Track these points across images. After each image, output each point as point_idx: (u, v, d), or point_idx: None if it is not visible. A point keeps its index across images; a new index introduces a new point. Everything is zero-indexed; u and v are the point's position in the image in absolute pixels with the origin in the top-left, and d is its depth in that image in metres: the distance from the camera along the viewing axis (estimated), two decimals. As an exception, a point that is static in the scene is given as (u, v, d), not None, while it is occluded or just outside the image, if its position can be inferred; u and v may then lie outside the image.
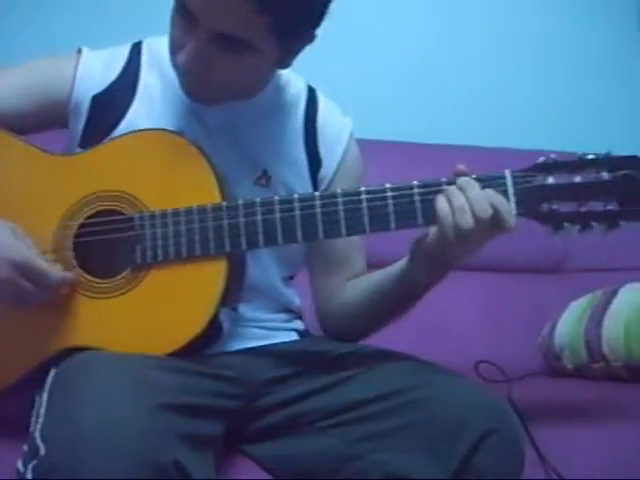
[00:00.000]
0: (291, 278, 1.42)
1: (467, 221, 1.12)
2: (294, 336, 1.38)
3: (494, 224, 1.14)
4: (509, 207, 1.14)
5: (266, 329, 1.34)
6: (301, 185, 1.35)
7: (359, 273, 1.42)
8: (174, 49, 1.22)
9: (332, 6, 1.20)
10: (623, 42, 2.49)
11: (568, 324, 1.71)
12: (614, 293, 1.72)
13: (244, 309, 1.30)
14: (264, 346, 1.32)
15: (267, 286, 1.35)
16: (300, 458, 1.21)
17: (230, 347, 1.28)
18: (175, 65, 1.23)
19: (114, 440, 0.94)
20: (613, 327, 1.65)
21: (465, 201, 1.13)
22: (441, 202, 1.15)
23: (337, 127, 1.41)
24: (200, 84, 1.23)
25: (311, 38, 1.24)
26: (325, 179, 1.38)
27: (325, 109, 1.41)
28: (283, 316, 1.39)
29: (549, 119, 2.37)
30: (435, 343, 1.68)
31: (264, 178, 1.32)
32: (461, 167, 1.17)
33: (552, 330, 1.72)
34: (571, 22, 2.45)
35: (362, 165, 1.44)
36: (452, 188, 1.15)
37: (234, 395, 1.22)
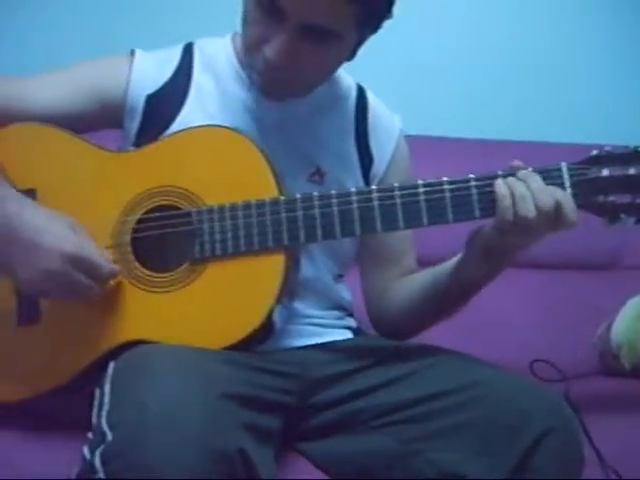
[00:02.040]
0: (340, 276, 1.42)
1: (529, 209, 1.13)
2: (347, 334, 1.38)
3: (555, 218, 1.14)
4: (572, 203, 1.14)
5: (320, 326, 1.34)
6: (353, 182, 1.36)
7: (410, 270, 1.42)
8: (254, 46, 1.22)
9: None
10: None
11: (625, 322, 1.68)
12: (673, 289, 1.70)
13: (297, 306, 1.31)
14: (318, 344, 1.32)
15: (319, 283, 1.35)
16: (354, 456, 1.20)
17: (284, 345, 1.28)
18: (254, 62, 1.24)
19: (180, 425, 0.95)
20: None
21: (527, 190, 1.14)
22: (502, 188, 1.15)
23: (387, 124, 1.42)
24: (282, 79, 1.24)
25: (377, 29, 1.26)
26: (377, 176, 1.39)
27: (375, 106, 1.42)
28: (335, 313, 1.39)
29: (596, 113, 2.35)
30: (489, 341, 1.66)
31: (317, 175, 1.33)
32: (517, 162, 1.18)
33: (609, 328, 1.70)
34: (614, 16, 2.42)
35: (411, 161, 1.45)
36: (512, 179, 1.16)
37: (290, 391, 1.22)
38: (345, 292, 1.42)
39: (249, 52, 1.25)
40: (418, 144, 1.49)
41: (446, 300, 1.32)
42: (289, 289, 1.21)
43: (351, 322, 1.41)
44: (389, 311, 1.40)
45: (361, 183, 1.37)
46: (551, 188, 1.14)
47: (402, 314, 1.38)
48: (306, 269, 1.30)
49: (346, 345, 1.33)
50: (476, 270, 1.25)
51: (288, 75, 1.23)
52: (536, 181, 1.15)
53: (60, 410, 1.25)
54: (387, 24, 1.25)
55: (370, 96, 1.43)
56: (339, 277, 1.41)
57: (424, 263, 1.41)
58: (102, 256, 1.18)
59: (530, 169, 1.16)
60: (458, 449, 1.12)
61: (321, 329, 1.34)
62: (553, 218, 1.14)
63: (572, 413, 1.14)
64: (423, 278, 1.36)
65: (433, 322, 1.37)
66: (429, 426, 1.15)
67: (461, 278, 1.27)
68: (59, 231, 1.15)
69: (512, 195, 1.14)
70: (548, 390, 1.17)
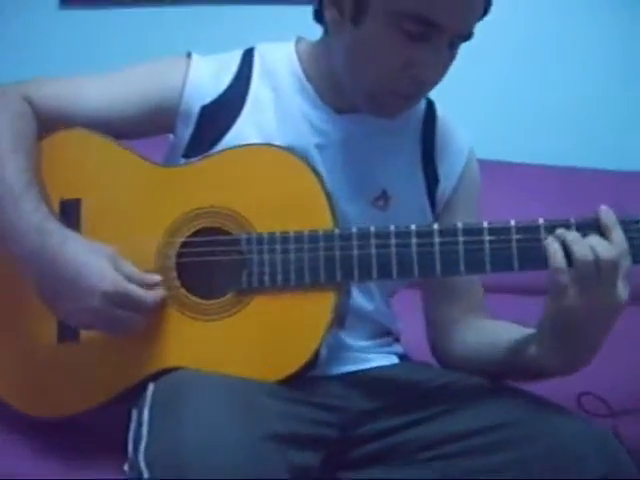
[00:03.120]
0: (391, 296, 1.37)
1: (584, 252, 1.04)
2: (393, 359, 1.33)
3: (605, 272, 1.04)
4: (610, 250, 1.05)
5: (365, 352, 1.30)
6: (419, 206, 1.29)
7: (479, 304, 1.34)
8: (395, 72, 1.15)
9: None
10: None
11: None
12: None
13: (342, 334, 1.26)
14: (363, 370, 1.27)
15: (370, 310, 1.30)
16: None
17: (328, 372, 1.24)
18: (397, 87, 1.17)
19: (218, 467, 0.93)
20: None
21: (581, 238, 1.06)
22: (551, 244, 1.07)
23: (457, 141, 1.33)
24: (417, 99, 1.22)
25: None
26: (443, 198, 1.32)
27: (444, 122, 1.33)
28: (382, 340, 1.34)
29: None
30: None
31: (382, 199, 1.26)
32: (604, 208, 1.08)
33: (659, 360, 1.64)
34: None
35: (480, 183, 1.37)
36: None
37: (333, 424, 1.19)
38: (394, 318, 1.37)
39: (384, 79, 1.16)
40: (486, 168, 1.40)
41: (523, 372, 1.21)
42: (339, 320, 1.17)
43: (398, 348, 1.36)
44: (459, 349, 1.31)
45: (427, 207, 1.30)
46: (591, 239, 1.05)
47: (474, 358, 1.28)
48: (356, 296, 1.25)
49: (391, 374, 1.28)
50: (549, 359, 1.13)
51: (426, 92, 1.21)
52: (570, 234, 1.06)
53: (94, 426, 1.23)
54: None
55: (439, 110, 1.34)
56: (389, 300, 1.36)
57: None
58: (145, 280, 1.14)
59: (613, 218, 1.07)
60: None
61: (365, 355, 1.29)
62: (602, 275, 1.04)
63: (628, 456, 1.09)
64: (495, 337, 1.25)
65: (505, 379, 1.26)
66: (477, 462, 1.11)
67: (529, 357, 1.16)
68: (98, 267, 1.11)
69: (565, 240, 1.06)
70: (603, 431, 1.12)
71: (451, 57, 1.18)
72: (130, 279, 1.12)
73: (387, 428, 1.19)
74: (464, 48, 1.18)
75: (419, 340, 1.37)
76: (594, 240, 1.05)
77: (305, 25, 1.26)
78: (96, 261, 1.11)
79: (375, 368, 1.29)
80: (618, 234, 1.06)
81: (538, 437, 1.09)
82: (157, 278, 1.16)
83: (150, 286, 1.14)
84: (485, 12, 1.17)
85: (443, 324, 1.34)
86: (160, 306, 1.15)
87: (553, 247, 1.06)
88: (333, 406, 1.20)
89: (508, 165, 1.98)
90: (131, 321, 1.12)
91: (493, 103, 2.23)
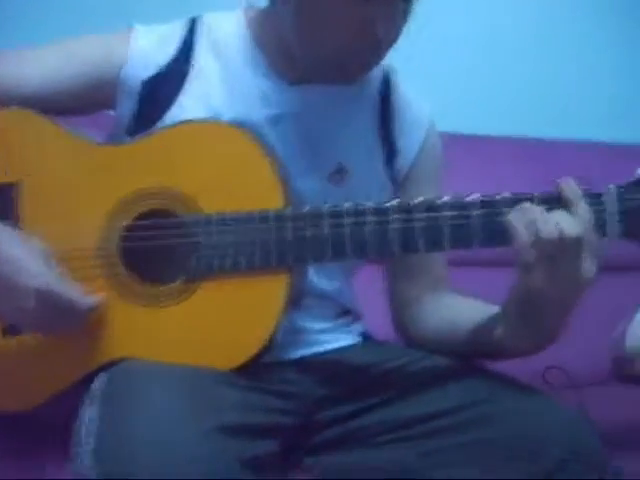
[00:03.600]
0: (352, 276, 1.32)
1: (549, 231, 0.99)
2: (354, 339, 1.29)
3: (570, 248, 1.00)
4: (575, 225, 1.00)
5: (323, 334, 1.25)
6: (378, 179, 1.24)
7: (440, 281, 1.29)
8: (352, 39, 1.10)
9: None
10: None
11: (640, 326, 1.61)
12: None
13: (299, 316, 1.21)
14: (321, 353, 1.23)
15: (328, 289, 1.25)
16: (361, 472, 1.14)
17: (285, 356, 1.19)
18: (355, 55, 1.12)
19: (168, 463, 0.90)
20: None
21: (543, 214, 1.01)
22: (511, 216, 1.03)
23: (416, 113, 1.28)
24: (378, 58, 1.15)
25: None
26: (403, 170, 1.26)
27: (402, 93, 1.28)
28: (342, 320, 1.29)
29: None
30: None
31: (339, 174, 1.21)
32: (565, 180, 1.04)
33: (623, 333, 1.62)
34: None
35: (443, 156, 1.31)
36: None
37: (293, 411, 1.15)
38: (355, 296, 1.32)
39: (340, 41, 1.10)
40: (450, 142, 1.35)
41: (475, 350, 1.18)
42: (294, 301, 1.12)
43: (358, 327, 1.32)
44: (421, 327, 1.27)
45: (386, 182, 1.25)
46: (558, 215, 1.01)
47: (436, 337, 1.24)
48: (315, 277, 1.20)
49: (351, 356, 1.24)
50: (515, 339, 1.10)
51: (384, 52, 1.15)
52: (533, 211, 1.02)
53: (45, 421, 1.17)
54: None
55: (397, 81, 1.28)
56: (351, 279, 1.31)
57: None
58: (77, 289, 1.08)
59: (578, 191, 1.03)
60: (468, 468, 1.06)
61: (325, 336, 1.25)
62: (563, 248, 1.00)
63: (595, 434, 1.07)
64: (455, 316, 1.22)
65: (468, 357, 1.22)
66: (439, 443, 1.09)
67: (503, 346, 1.12)
68: (34, 267, 1.06)
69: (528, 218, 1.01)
70: (570, 409, 1.10)
71: (405, 12, 1.12)
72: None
73: (347, 413, 1.16)
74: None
75: (383, 318, 1.33)
76: (558, 216, 1.01)
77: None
78: (32, 260, 1.06)
79: (333, 350, 1.25)
80: (583, 208, 1.01)
81: (498, 417, 1.07)
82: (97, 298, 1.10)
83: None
84: None
85: (404, 302, 1.29)
86: (98, 310, 1.09)
87: (516, 223, 1.01)
88: (289, 393, 1.16)
89: (474, 138, 1.93)
90: (63, 325, 1.08)
91: (464, 76, 2.18)
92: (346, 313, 1.30)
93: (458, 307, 1.24)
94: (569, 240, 0.99)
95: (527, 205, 1.02)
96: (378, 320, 1.33)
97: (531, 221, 1.00)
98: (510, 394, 1.11)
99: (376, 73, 1.25)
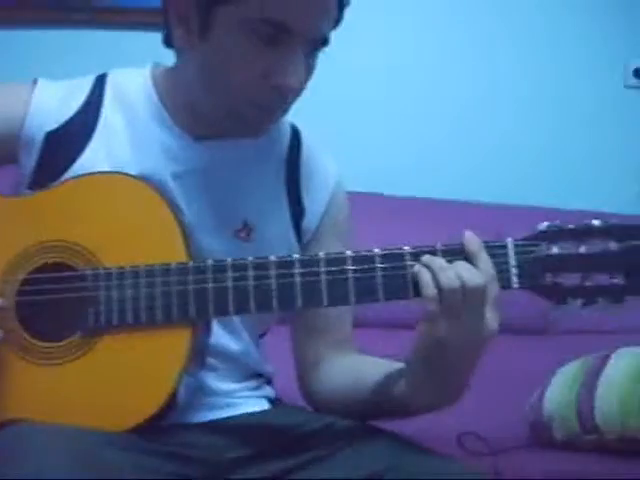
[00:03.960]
0: (262, 336, 1.29)
1: (450, 278, 1.00)
2: (264, 404, 1.25)
3: (472, 299, 1.01)
4: (476, 276, 1.01)
5: (231, 397, 1.21)
6: (284, 238, 1.22)
7: (347, 337, 1.28)
8: (254, 82, 1.09)
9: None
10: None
11: (558, 391, 1.59)
12: (607, 358, 1.61)
13: (206, 377, 1.17)
14: (228, 418, 1.19)
15: (235, 350, 1.21)
16: None
17: (189, 419, 1.15)
18: (259, 99, 1.10)
19: None
20: (607, 396, 1.53)
21: (447, 264, 1.02)
22: (419, 263, 1.04)
23: (323, 171, 1.27)
24: (282, 109, 1.15)
25: None
26: (309, 230, 1.25)
27: (310, 151, 1.27)
28: (251, 383, 1.25)
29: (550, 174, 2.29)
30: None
31: (245, 230, 1.19)
32: (468, 234, 1.05)
33: (540, 397, 1.60)
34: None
35: (349, 216, 1.31)
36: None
37: (196, 476, 1.09)
38: (264, 358, 1.28)
39: (244, 91, 1.09)
40: (360, 201, 1.36)
41: (394, 410, 1.16)
42: (197, 357, 1.08)
43: (268, 391, 1.28)
44: (324, 389, 1.24)
45: (293, 239, 1.23)
46: (458, 265, 1.02)
47: (339, 399, 1.22)
48: (219, 335, 1.16)
49: (259, 420, 1.20)
50: (419, 393, 1.09)
51: (291, 103, 1.14)
52: (435, 261, 1.02)
53: None
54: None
55: (306, 139, 1.28)
56: (259, 340, 1.27)
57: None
58: None
59: (478, 243, 1.04)
60: None
61: (231, 400, 1.21)
62: (480, 299, 1.01)
63: None
64: (358, 376, 1.20)
65: (373, 418, 1.21)
66: None
67: (406, 402, 1.11)
68: None
69: (432, 268, 1.02)
70: (481, 473, 1.10)
71: (310, 66, 1.12)
72: None
73: (260, 478, 1.11)
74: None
75: (295, 382, 1.30)
76: (460, 266, 1.01)
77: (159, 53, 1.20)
78: None
79: (243, 415, 1.20)
80: (484, 259, 1.03)
81: None
82: None
83: None
84: (340, 17, 1.13)
85: (309, 362, 1.26)
86: None
87: (422, 275, 1.02)
88: (196, 457, 1.10)
89: (382, 197, 1.95)
90: None
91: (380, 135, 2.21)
92: (256, 376, 1.26)
93: (362, 365, 1.22)
94: (471, 290, 1.00)
95: (429, 257, 1.03)
96: (290, 385, 1.30)
97: (434, 271, 1.01)
98: (424, 459, 1.09)
99: (284, 130, 1.25)
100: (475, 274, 1.01)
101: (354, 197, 1.32)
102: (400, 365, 1.12)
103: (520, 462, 1.48)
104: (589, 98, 2.46)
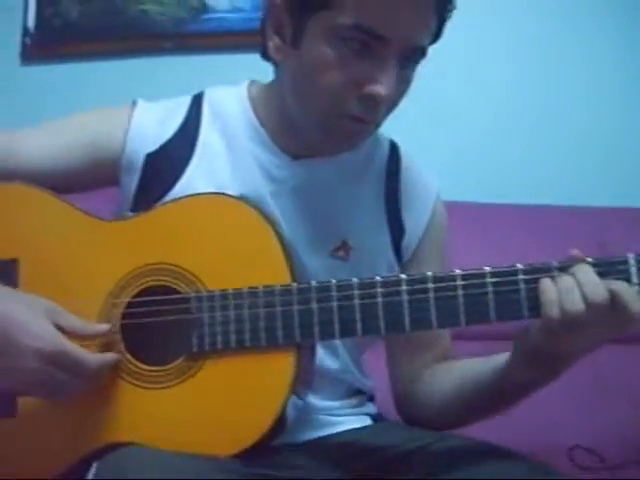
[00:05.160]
0: (361, 355, 1.27)
1: (575, 302, 0.95)
2: (366, 420, 1.23)
3: (612, 312, 0.96)
4: (632, 290, 0.96)
5: (335, 416, 1.20)
6: (383, 257, 1.20)
7: (444, 354, 1.25)
8: (344, 92, 1.06)
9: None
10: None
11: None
12: None
13: (312, 398, 1.15)
14: (332, 435, 1.17)
15: (338, 370, 1.20)
16: None
17: (296, 439, 1.14)
18: (347, 109, 1.07)
19: None
20: None
21: (574, 283, 0.97)
22: (545, 282, 0.98)
23: (423, 189, 1.24)
24: (378, 122, 1.12)
25: None
26: (409, 248, 1.22)
27: (409, 167, 1.24)
28: (354, 401, 1.23)
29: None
30: (524, 425, 1.49)
31: (343, 249, 1.17)
32: (575, 251, 1.00)
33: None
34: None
35: (446, 229, 1.28)
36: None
37: None
38: (365, 376, 1.26)
39: (334, 100, 1.07)
40: (453, 211, 1.31)
41: (487, 403, 1.15)
42: (303, 380, 1.06)
43: (370, 408, 1.26)
44: (421, 401, 1.23)
45: (392, 258, 1.21)
46: (605, 281, 0.97)
47: (435, 408, 1.21)
48: (323, 356, 1.15)
49: (362, 438, 1.17)
50: (522, 377, 1.07)
51: (384, 115, 1.10)
52: (584, 271, 0.97)
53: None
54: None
55: (405, 156, 1.25)
56: (360, 359, 1.26)
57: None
58: (87, 331, 1.04)
59: (589, 260, 0.99)
60: None
61: (336, 418, 1.19)
62: (609, 312, 0.96)
63: None
64: (463, 373, 1.18)
65: (470, 421, 1.19)
66: None
67: (504, 384, 1.10)
68: (38, 327, 1.00)
69: (557, 289, 0.97)
70: None
71: (405, 77, 1.09)
72: (73, 334, 1.02)
73: None
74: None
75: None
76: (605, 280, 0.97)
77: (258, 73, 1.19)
78: (34, 318, 1.01)
79: (345, 432, 1.19)
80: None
81: None
82: (104, 327, 1.05)
83: (95, 338, 1.05)
84: (440, 31, 1.09)
85: (407, 378, 1.24)
86: (107, 371, 1.04)
87: (546, 284, 0.98)
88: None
89: (476, 206, 1.90)
90: (69, 385, 1.01)
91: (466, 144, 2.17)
92: (356, 393, 1.24)
93: (461, 366, 1.20)
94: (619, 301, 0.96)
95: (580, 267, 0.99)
96: (392, 401, 1.28)
97: (581, 283, 0.97)
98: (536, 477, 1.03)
99: (382, 146, 1.23)
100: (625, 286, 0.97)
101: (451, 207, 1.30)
102: (502, 357, 1.10)
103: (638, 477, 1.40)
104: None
